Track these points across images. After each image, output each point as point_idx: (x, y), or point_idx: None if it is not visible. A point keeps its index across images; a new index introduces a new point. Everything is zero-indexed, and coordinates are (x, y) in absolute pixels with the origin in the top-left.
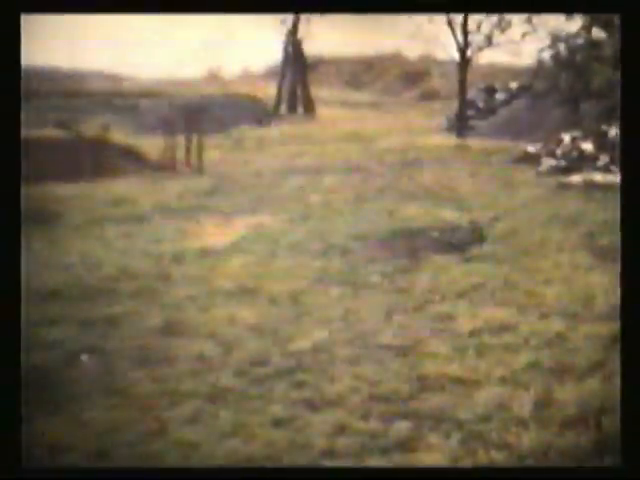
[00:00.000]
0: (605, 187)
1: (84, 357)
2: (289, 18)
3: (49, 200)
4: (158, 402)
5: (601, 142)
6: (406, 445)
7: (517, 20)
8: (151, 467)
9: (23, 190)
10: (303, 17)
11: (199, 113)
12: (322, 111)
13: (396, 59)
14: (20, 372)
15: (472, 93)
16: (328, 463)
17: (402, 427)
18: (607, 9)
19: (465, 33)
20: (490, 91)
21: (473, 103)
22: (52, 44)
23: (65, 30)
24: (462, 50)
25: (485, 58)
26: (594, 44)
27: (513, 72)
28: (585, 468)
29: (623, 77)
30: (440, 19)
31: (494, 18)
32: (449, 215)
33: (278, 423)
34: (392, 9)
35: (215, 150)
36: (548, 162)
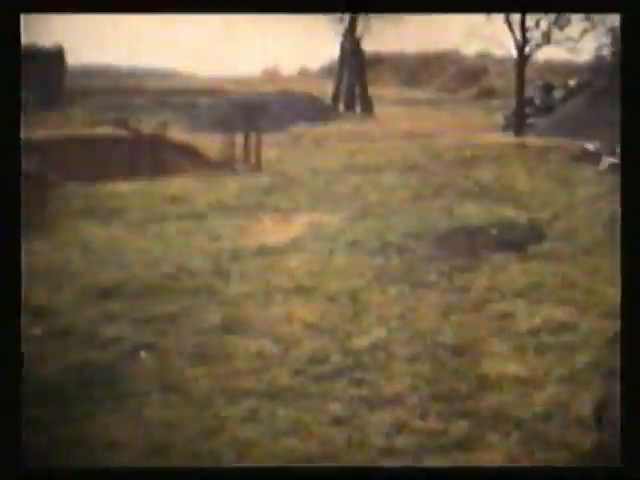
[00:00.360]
0: None
1: (143, 354)
2: (347, 16)
3: (108, 198)
4: (216, 400)
5: None
6: (465, 444)
7: (576, 17)
8: (208, 466)
9: (83, 187)
10: (361, 14)
11: (257, 111)
12: (380, 109)
13: (454, 57)
14: (21, 372)
15: (530, 91)
16: (386, 462)
17: (461, 426)
18: (607, 9)
19: (523, 30)
20: (548, 89)
21: (531, 101)
22: (111, 43)
23: (124, 29)
24: (520, 47)
25: (543, 55)
26: None
27: (571, 69)
28: (585, 468)
29: (623, 77)
30: (498, 17)
31: (552, 15)
32: (508, 213)
33: (336, 421)
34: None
35: (273, 148)
36: (608, 160)
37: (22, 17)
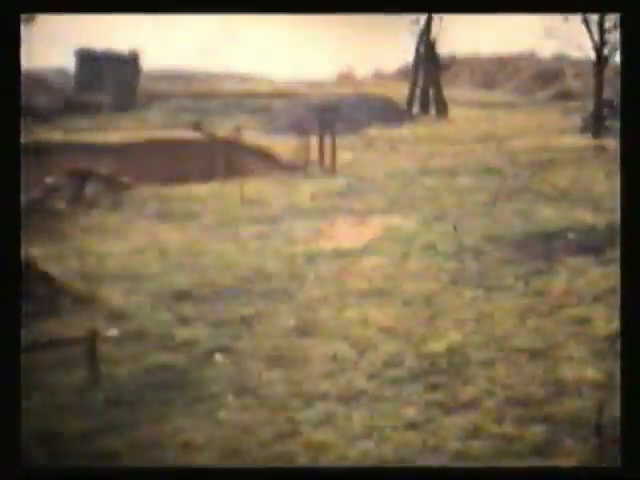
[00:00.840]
0: None
1: (218, 357)
2: (422, 18)
3: (184, 200)
4: (291, 403)
5: None
6: (541, 449)
7: None
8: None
9: (158, 190)
10: (436, 16)
11: (332, 114)
12: (455, 111)
13: (530, 58)
14: (20, 372)
15: (608, 92)
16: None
17: (537, 431)
18: (607, 9)
19: (601, 32)
20: None
21: (610, 103)
22: (186, 46)
23: (199, 32)
24: (598, 49)
25: None
26: None
27: None
28: (585, 468)
29: (623, 77)
30: (575, 17)
31: None
32: (585, 217)
33: (411, 425)
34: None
35: (348, 151)
36: None
37: (96, 21)
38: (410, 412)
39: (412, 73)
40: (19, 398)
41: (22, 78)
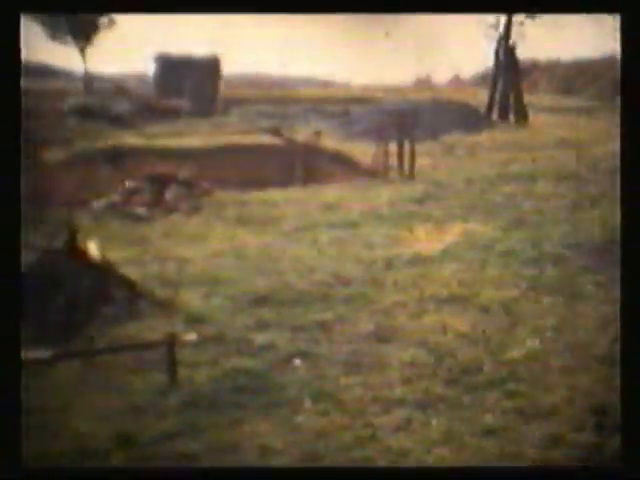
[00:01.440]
0: None
1: (296, 362)
2: (501, 22)
3: (263, 205)
4: (369, 409)
5: None
6: (622, 459)
7: None
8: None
9: (237, 195)
10: (515, 21)
11: (411, 119)
12: (534, 117)
13: (610, 62)
14: (20, 372)
15: None
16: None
17: (618, 440)
18: (607, 9)
19: None
20: None
21: None
22: (265, 52)
23: (278, 37)
24: None
25: None
26: None
27: None
28: (585, 468)
29: (623, 77)
30: None
31: None
32: None
33: (489, 432)
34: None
35: (426, 156)
36: None
37: (176, 26)
38: (488, 419)
39: (491, 79)
40: (19, 397)
41: (104, 84)
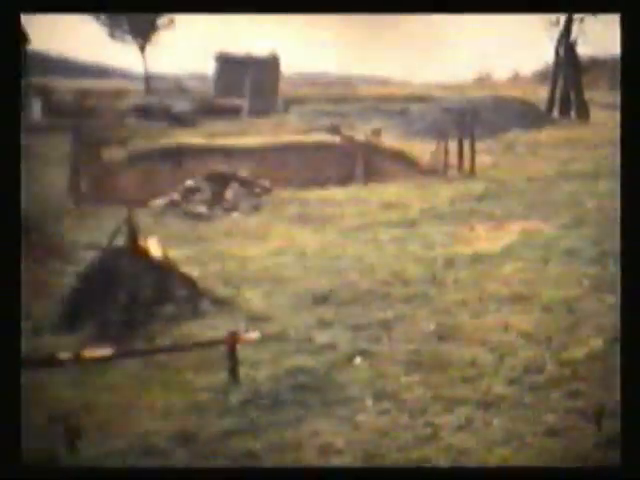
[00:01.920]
0: None
1: (357, 360)
2: (561, 19)
3: (322, 204)
4: (430, 408)
5: None
6: None
7: None
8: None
9: (297, 193)
10: (576, 17)
11: (470, 117)
12: (596, 114)
13: None
14: (20, 373)
15: None
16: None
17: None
18: (607, 9)
19: None
20: None
21: None
22: (321, 50)
23: (335, 36)
24: None
25: None
26: None
27: None
28: (585, 468)
29: (623, 77)
30: None
31: None
32: None
33: (552, 432)
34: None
35: (486, 154)
36: None
37: (235, 24)
38: (550, 419)
39: (552, 76)
40: (19, 396)
41: (163, 84)
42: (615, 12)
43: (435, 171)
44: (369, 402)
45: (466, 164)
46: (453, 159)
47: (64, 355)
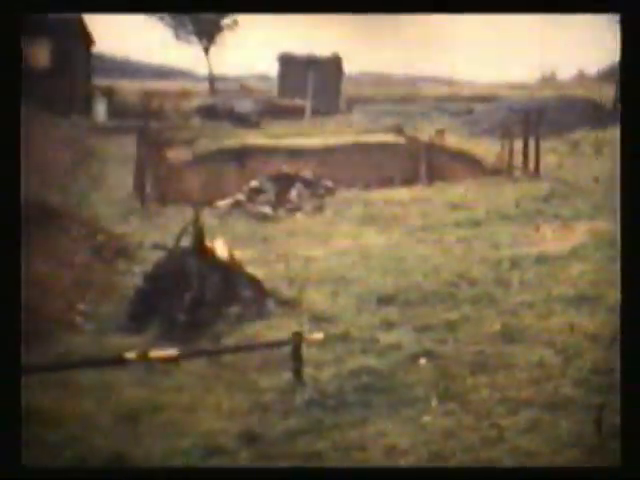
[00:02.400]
0: None
1: (422, 361)
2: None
3: (387, 204)
4: (495, 409)
5: None
6: None
7: None
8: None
9: (361, 194)
10: None
11: (535, 116)
12: None
13: None
14: (20, 373)
15: None
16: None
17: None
18: (607, 9)
19: None
20: None
21: None
22: (384, 50)
23: (400, 35)
24: None
25: None
26: None
27: None
28: (585, 468)
29: (623, 77)
30: None
31: None
32: None
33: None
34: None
35: (552, 154)
36: None
37: (297, 25)
38: (618, 421)
39: (617, 73)
40: (19, 399)
41: (227, 84)
42: (615, 12)
43: (500, 171)
44: (434, 403)
45: (531, 164)
46: (518, 159)
47: (130, 355)
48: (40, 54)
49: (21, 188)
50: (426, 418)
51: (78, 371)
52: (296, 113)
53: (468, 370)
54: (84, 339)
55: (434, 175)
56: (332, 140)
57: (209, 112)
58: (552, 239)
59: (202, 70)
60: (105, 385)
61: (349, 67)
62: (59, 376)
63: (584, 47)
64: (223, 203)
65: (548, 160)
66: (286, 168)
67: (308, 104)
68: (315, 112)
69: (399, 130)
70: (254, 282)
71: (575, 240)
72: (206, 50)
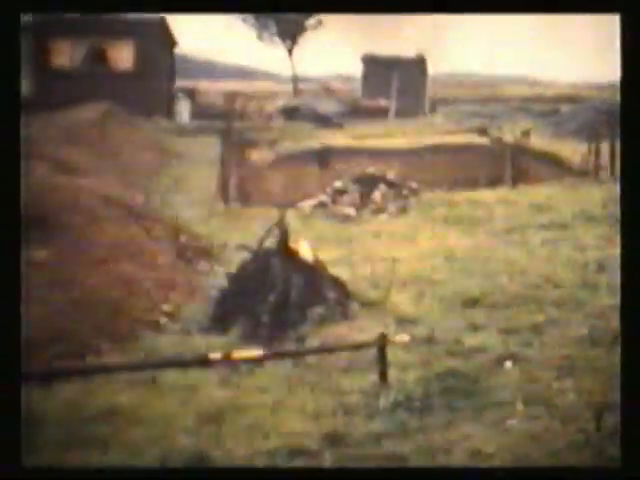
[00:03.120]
0: None
1: (508, 364)
2: None
3: (472, 206)
4: (582, 414)
5: None
6: None
7: None
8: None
9: (446, 195)
10: None
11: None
12: None
13: None
14: (20, 373)
15: None
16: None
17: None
18: (607, 9)
19: None
20: None
21: None
22: (469, 50)
23: (482, 35)
24: None
25: None
26: None
27: None
28: (585, 468)
29: (623, 77)
30: None
31: None
32: None
33: None
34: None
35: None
36: None
37: (381, 26)
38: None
39: None
40: (19, 396)
41: (310, 85)
42: (615, 12)
43: (586, 173)
44: (519, 407)
45: (618, 166)
46: (605, 160)
47: (214, 356)
48: (123, 56)
49: (20, 191)
50: (511, 422)
51: (162, 371)
52: (379, 114)
53: (554, 374)
54: (168, 339)
55: (519, 176)
56: (416, 141)
57: (292, 113)
58: None
59: (285, 71)
60: (189, 385)
61: (433, 67)
62: (144, 375)
63: None
64: (306, 204)
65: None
66: (370, 169)
67: (392, 105)
68: (399, 113)
69: (484, 131)
70: (338, 283)
71: None
72: (289, 51)
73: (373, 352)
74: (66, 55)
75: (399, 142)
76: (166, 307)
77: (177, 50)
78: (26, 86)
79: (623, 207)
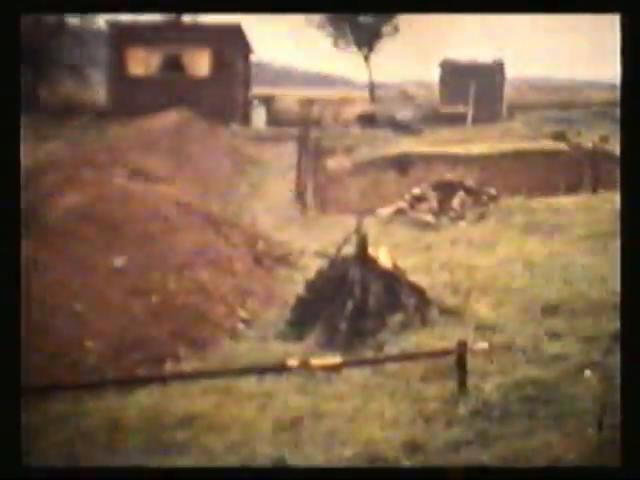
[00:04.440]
0: None
1: (587, 373)
2: None
3: (550, 212)
4: None
5: None
6: None
7: None
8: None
9: (524, 201)
10: None
11: None
12: None
13: None
14: (20, 375)
15: None
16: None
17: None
18: (607, 9)
19: None
20: None
21: None
22: (547, 55)
23: (559, 40)
24: None
25: None
26: None
27: None
28: (585, 468)
29: (623, 77)
30: None
31: None
32: None
33: None
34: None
35: None
36: None
37: (458, 32)
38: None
39: None
40: (18, 396)
41: (387, 91)
42: (615, 12)
43: None
44: (599, 415)
45: None
46: None
47: (292, 362)
48: (200, 63)
49: (20, 195)
50: (591, 431)
51: (240, 377)
52: (458, 120)
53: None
54: (245, 345)
55: (598, 183)
56: (494, 147)
57: (369, 120)
58: None
59: (361, 77)
60: (266, 392)
61: (511, 72)
62: (221, 382)
63: None
64: (385, 211)
65: None
66: (448, 175)
67: (470, 111)
68: (476, 119)
69: (562, 137)
70: (417, 290)
71: None
72: (366, 58)
73: (452, 359)
74: (142, 63)
75: (477, 148)
76: (243, 314)
77: (253, 57)
78: (104, 95)
79: (623, 207)
